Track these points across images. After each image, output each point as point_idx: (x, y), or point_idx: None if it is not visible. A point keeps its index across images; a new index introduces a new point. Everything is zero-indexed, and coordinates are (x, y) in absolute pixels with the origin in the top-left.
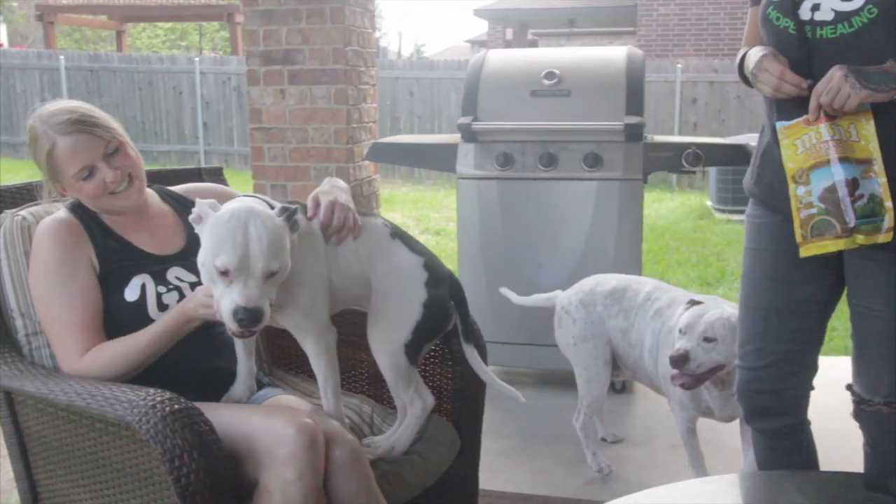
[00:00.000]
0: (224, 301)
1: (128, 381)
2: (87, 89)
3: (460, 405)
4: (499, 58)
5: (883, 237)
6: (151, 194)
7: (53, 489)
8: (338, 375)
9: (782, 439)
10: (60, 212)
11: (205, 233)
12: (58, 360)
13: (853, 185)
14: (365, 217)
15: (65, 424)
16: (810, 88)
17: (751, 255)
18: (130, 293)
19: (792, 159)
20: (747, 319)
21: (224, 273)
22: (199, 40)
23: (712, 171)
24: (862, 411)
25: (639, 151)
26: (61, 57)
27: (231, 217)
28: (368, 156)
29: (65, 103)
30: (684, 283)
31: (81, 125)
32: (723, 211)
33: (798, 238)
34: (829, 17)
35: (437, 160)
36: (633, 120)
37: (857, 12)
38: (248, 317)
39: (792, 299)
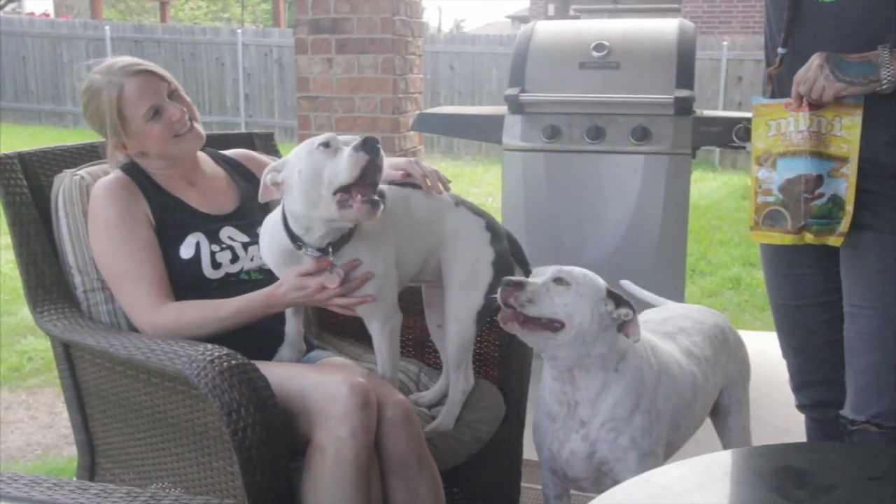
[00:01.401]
0: (338, 159)
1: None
2: None
3: (506, 372)
4: (547, 29)
5: (833, 240)
6: (203, 156)
7: (110, 442)
8: (397, 360)
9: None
10: (113, 173)
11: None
12: (132, 314)
13: (816, 182)
14: (430, 192)
15: (122, 379)
16: (781, 61)
17: (762, 249)
18: (186, 251)
19: (762, 139)
20: (775, 315)
21: (326, 145)
22: (240, 12)
23: None
24: (850, 433)
25: (688, 125)
26: (107, 27)
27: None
28: (414, 126)
29: (117, 58)
30: (727, 263)
31: (144, 67)
32: None
33: (750, 222)
34: None
35: (483, 131)
36: (684, 93)
37: None
38: (370, 141)
39: (807, 292)
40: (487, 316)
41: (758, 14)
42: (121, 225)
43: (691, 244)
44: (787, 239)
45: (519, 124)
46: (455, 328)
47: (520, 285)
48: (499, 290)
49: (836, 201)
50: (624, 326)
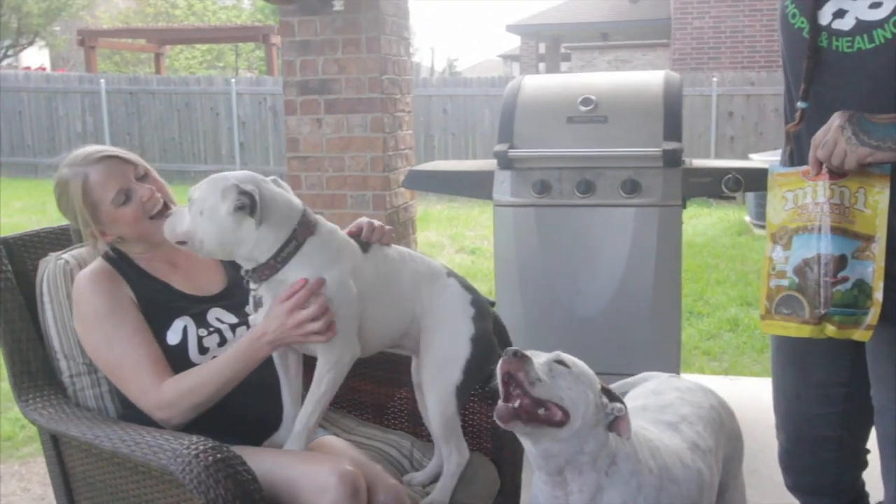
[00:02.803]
0: None
1: (192, 416)
2: (127, 111)
3: (499, 444)
4: (535, 84)
5: (860, 334)
6: None
7: None
8: (330, 397)
9: None
10: (94, 263)
11: None
12: (138, 402)
13: (839, 263)
14: (425, 260)
15: (109, 467)
16: (801, 116)
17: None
18: (173, 336)
19: (777, 213)
20: (775, 395)
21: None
22: (235, 60)
23: None
24: None
25: (677, 177)
26: (102, 80)
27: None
28: (405, 183)
29: (83, 148)
30: (724, 303)
31: (108, 153)
32: (762, 226)
33: (761, 309)
34: (849, 26)
35: (473, 188)
36: (672, 146)
37: (881, 24)
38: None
39: (810, 382)
40: (468, 391)
41: (746, 49)
42: (110, 315)
43: (688, 285)
44: (804, 331)
45: (509, 180)
46: (434, 403)
47: (526, 359)
48: (499, 363)
49: (863, 287)
50: (615, 423)
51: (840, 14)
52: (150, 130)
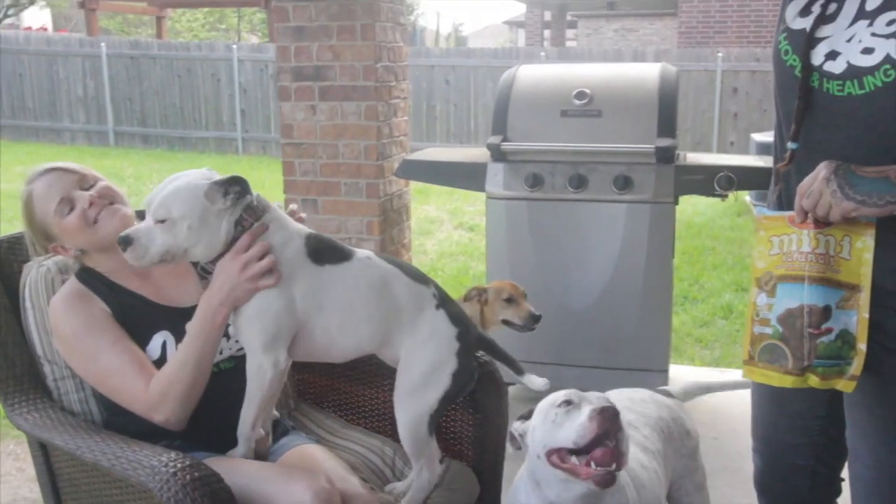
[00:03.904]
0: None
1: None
2: (128, 76)
3: (480, 452)
4: (530, 74)
5: (843, 384)
6: None
7: None
8: (257, 404)
9: None
10: (66, 285)
11: None
12: (132, 409)
13: (823, 314)
14: (417, 285)
15: (93, 472)
16: (791, 157)
17: None
18: (153, 351)
19: (763, 258)
20: (752, 419)
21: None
22: (237, 23)
23: None
24: None
25: (670, 174)
26: (103, 44)
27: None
28: (398, 173)
29: (38, 166)
30: (719, 289)
31: (50, 166)
32: (763, 206)
33: (744, 354)
34: (840, 69)
35: (466, 179)
36: (665, 142)
37: (871, 71)
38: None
39: (786, 412)
40: (440, 417)
41: (752, 24)
42: (88, 330)
43: (684, 268)
44: (786, 381)
45: (502, 173)
46: (405, 424)
47: (617, 413)
48: (593, 417)
49: (846, 338)
50: None
51: (832, 56)
52: (151, 96)
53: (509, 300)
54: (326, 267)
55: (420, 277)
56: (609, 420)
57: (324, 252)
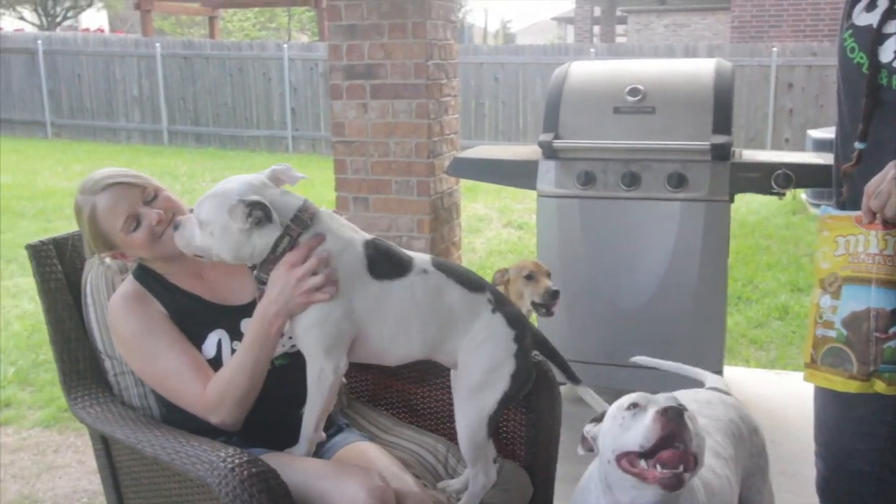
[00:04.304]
0: None
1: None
2: (182, 76)
3: (533, 452)
4: (582, 71)
5: None
6: None
7: None
8: (322, 410)
9: None
10: (124, 285)
11: None
12: (191, 411)
13: (891, 318)
14: (472, 294)
15: (153, 465)
16: (859, 158)
17: None
18: (208, 350)
19: (827, 258)
20: (815, 423)
21: None
22: (287, 22)
23: None
24: None
25: (725, 172)
26: (157, 45)
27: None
28: (449, 171)
29: (96, 172)
30: (774, 289)
31: (114, 180)
32: (819, 206)
33: (806, 357)
34: None
35: (517, 177)
36: (721, 139)
37: None
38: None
39: (851, 416)
40: (499, 419)
41: (809, 18)
42: (147, 333)
43: (737, 268)
44: (850, 385)
45: (553, 170)
46: (464, 427)
47: (682, 413)
48: (656, 419)
49: None
50: None
51: None
52: (204, 95)
53: (529, 277)
54: (384, 282)
55: (475, 285)
56: (673, 420)
57: (382, 265)
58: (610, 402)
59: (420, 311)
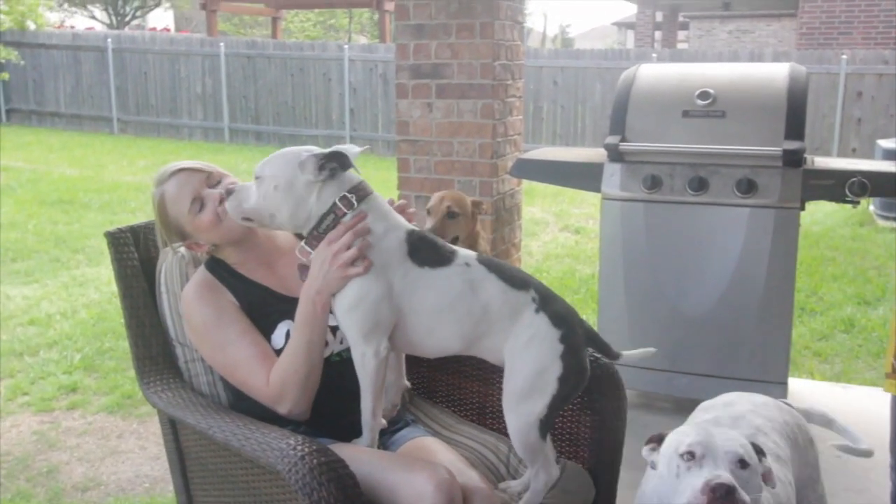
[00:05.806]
0: None
1: (305, 397)
2: (244, 74)
3: (597, 453)
4: (650, 73)
5: None
6: (279, 232)
7: None
8: (374, 393)
9: None
10: (196, 275)
11: None
12: (258, 399)
13: None
14: (514, 291)
15: (221, 451)
16: None
17: None
18: (277, 340)
19: None
20: (892, 436)
21: None
22: (348, 23)
23: None
24: None
25: (797, 178)
26: (221, 44)
27: None
28: (512, 172)
29: (165, 166)
30: (840, 301)
31: (178, 167)
32: (887, 218)
33: (887, 367)
34: None
35: (581, 179)
36: (793, 145)
37: None
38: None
39: None
40: (552, 422)
41: (881, 24)
42: (218, 322)
43: (801, 279)
44: None
45: (618, 173)
46: (514, 430)
47: (734, 490)
48: (705, 491)
49: None
50: (764, 476)
51: None
52: (265, 94)
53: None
54: (425, 269)
55: (519, 283)
56: (719, 500)
57: (424, 252)
58: (670, 412)
59: (457, 304)
